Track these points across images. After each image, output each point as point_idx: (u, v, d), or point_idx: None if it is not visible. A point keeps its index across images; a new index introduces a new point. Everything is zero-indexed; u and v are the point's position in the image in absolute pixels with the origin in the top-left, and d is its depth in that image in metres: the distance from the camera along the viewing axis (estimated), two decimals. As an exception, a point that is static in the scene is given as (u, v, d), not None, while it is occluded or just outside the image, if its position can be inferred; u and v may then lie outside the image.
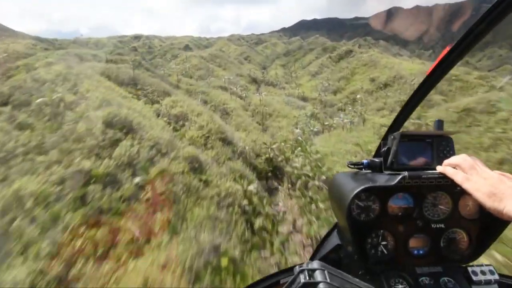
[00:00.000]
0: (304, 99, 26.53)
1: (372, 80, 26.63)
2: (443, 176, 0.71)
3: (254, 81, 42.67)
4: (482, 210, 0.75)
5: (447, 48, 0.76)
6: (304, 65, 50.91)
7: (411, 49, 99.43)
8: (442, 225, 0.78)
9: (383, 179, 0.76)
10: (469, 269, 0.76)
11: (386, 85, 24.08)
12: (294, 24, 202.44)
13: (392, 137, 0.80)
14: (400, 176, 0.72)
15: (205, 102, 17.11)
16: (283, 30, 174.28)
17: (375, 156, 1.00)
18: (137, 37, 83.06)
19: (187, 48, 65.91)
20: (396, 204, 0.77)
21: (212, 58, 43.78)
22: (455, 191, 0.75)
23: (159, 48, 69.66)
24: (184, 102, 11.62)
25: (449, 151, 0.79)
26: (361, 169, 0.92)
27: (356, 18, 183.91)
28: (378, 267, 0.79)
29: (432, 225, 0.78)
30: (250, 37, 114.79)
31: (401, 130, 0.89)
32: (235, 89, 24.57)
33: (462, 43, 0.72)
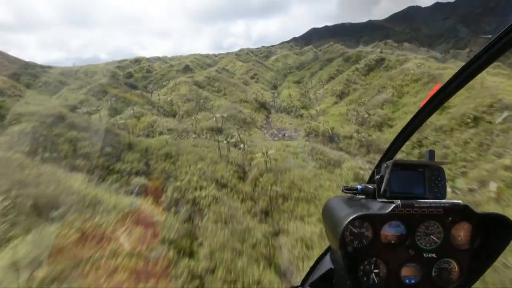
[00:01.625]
0: (334, 138, 17.84)
1: (444, 109, 16.14)
2: (436, 206, 0.74)
3: (263, 106, 33.89)
4: (473, 240, 0.79)
5: (439, 84, 0.80)
6: (324, 80, 42.66)
7: (441, 49, 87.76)
8: (434, 255, 0.79)
9: (376, 207, 0.78)
10: None
11: (477, 121, 13.58)
12: (305, 33, 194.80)
13: (385, 165, 0.82)
14: (394, 205, 0.74)
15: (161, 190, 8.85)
16: (294, 40, 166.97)
17: (368, 182, 1.00)
18: (137, 61, 77.30)
19: (186, 69, 58.25)
20: (389, 232, 0.77)
21: (210, 82, 35.86)
22: (447, 221, 0.77)
23: (157, 71, 62.87)
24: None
25: (441, 181, 0.82)
26: (355, 194, 0.92)
27: (370, 22, 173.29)
28: None
29: (424, 254, 0.79)
30: (259, 51, 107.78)
31: (394, 159, 0.89)
32: (229, 130, 16.37)
33: (457, 79, 0.76)
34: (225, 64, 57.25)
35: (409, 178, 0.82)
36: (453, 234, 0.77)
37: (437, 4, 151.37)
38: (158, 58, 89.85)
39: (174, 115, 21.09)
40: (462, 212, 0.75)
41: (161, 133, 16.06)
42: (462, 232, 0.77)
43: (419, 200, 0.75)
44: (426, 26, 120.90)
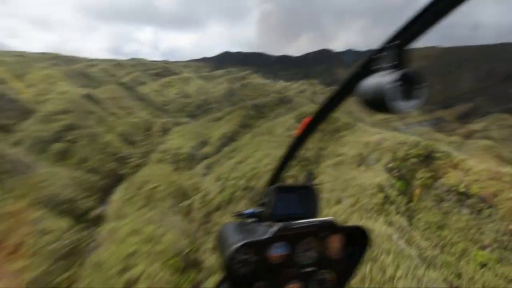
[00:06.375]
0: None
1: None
2: (310, 224, 0.82)
3: None
4: (344, 250, 0.89)
5: (308, 118, 0.91)
6: (245, 169, 15.81)
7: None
8: (314, 268, 0.86)
9: (262, 231, 0.82)
10: None
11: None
12: (218, 55, 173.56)
13: (270, 189, 0.89)
14: (277, 228, 0.79)
15: None
16: (205, 60, 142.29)
17: (258, 206, 1.03)
18: None
19: None
20: (273, 254, 0.81)
21: None
22: (321, 236, 0.85)
23: None
24: None
25: (316, 201, 0.93)
26: (246, 218, 0.96)
27: (286, 57, 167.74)
28: None
29: (306, 269, 0.85)
30: (155, 64, 75.98)
31: (278, 184, 1.01)
32: None
33: (323, 108, 0.84)
34: (33, 82, 25.57)
35: (291, 200, 0.90)
36: (327, 247, 0.87)
37: (348, 50, 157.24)
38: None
39: None
40: (330, 227, 0.86)
41: None
42: (334, 244, 0.88)
43: (299, 221, 0.82)
44: (343, 69, 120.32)
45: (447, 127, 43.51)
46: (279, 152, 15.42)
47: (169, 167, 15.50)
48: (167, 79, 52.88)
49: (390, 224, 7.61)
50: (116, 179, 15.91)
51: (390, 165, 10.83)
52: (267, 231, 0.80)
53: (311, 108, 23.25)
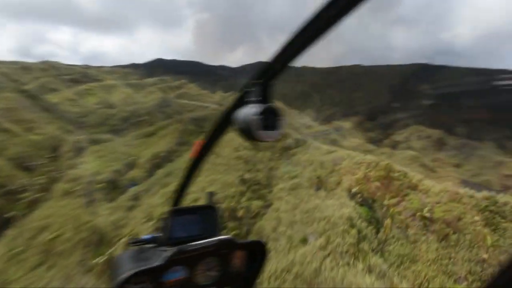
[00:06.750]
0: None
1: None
2: (208, 244, 0.80)
3: None
4: (246, 265, 0.91)
5: (200, 141, 0.94)
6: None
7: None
8: (215, 287, 0.85)
9: (157, 257, 0.78)
10: None
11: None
12: (149, 62, 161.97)
13: (167, 213, 0.87)
14: (170, 253, 0.75)
15: None
16: (134, 66, 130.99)
17: (159, 230, 1.01)
18: None
19: None
20: (171, 278, 0.78)
21: None
22: (222, 254, 0.85)
23: None
24: None
25: (215, 220, 0.93)
26: (144, 244, 0.91)
27: (223, 67, 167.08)
28: None
29: None
30: (71, 68, 64.35)
31: (176, 206, 1.00)
32: None
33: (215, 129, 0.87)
34: None
35: (191, 221, 0.89)
36: (229, 264, 0.87)
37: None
38: None
39: None
40: (230, 245, 0.86)
41: None
42: (236, 260, 0.88)
43: (196, 242, 0.79)
44: (281, 83, 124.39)
45: (375, 137, 47.94)
46: (229, 177, 13.34)
47: (80, 201, 11.82)
48: (85, 86, 45.80)
49: (369, 270, 6.33)
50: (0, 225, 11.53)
51: (354, 189, 9.90)
52: (162, 256, 0.76)
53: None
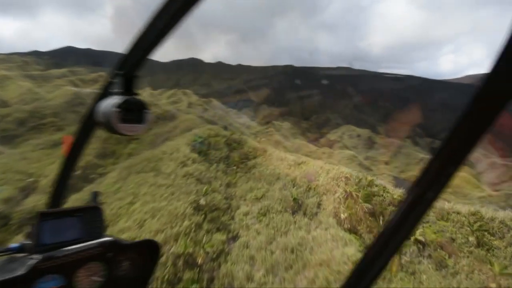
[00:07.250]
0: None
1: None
2: (87, 248, 0.73)
3: None
4: (138, 266, 0.84)
5: (69, 137, 0.84)
6: None
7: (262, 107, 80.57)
8: None
9: (23, 266, 0.71)
10: None
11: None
12: (57, 50, 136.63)
13: (35, 217, 0.79)
14: (34, 261, 0.69)
15: None
16: (37, 54, 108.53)
17: (27, 236, 0.92)
18: None
19: None
20: (45, 287, 0.72)
21: None
22: (108, 257, 0.78)
23: None
24: None
25: (99, 221, 0.84)
26: (13, 253, 0.82)
27: (151, 61, 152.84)
28: None
29: None
30: None
31: (44, 210, 0.87)
32: None
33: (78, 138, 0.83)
34: None
35: (65, 225, 0.80)
36: (116, 267, 0.79)
37: (219, 63, 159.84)
38: None
39: None
40: (114, 247, 0.79)
41: None
42: (124, 263, 0.80)
43: (72, 247, 0.73)
44: (215, 80, 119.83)
45: (312, 137, 49.70)
46: (178, 204, 10.21)
47: None
48: None
49: None
50: None
51: (342, 215, 8.23)
52: (25, 266, 0.69)
53: (210, 129, 18.97)
